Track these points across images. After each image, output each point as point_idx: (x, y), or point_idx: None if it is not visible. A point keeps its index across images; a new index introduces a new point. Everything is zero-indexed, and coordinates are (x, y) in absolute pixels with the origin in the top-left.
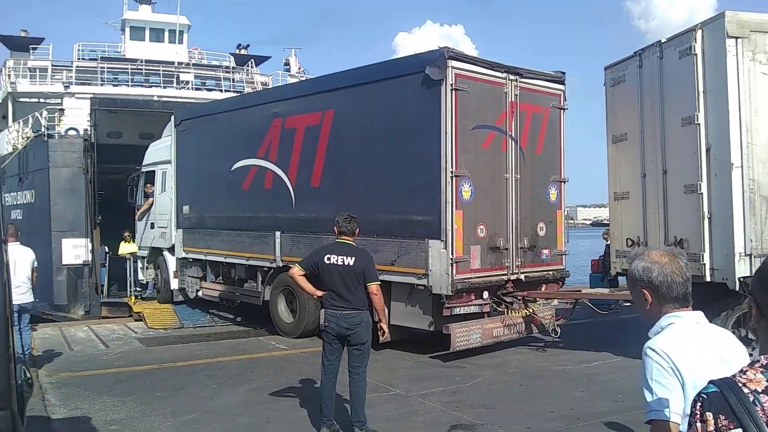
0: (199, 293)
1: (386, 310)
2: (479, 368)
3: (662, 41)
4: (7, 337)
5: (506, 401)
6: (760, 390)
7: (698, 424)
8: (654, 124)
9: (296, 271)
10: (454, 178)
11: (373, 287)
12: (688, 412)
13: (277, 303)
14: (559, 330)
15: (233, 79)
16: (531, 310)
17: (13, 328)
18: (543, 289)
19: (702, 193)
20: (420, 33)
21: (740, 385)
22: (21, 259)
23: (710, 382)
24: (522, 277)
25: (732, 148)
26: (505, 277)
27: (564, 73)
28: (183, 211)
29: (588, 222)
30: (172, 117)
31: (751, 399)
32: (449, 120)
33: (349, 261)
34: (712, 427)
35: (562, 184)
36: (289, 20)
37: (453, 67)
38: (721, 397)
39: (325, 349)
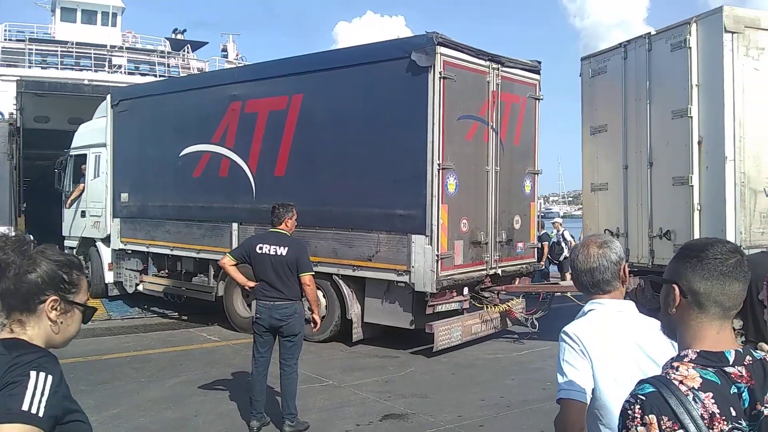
0: (140, 287)
1: (319, 302)
2: (412, 358)
3: (651, 33)
4: None
5: (438, 390)
6: (696, 387)
7: (639, 428)
8: (639, 116)
9: (227, 261)
10: (440, 171)
11: (306, 278)
12: (600, 397)
13: (233, 298)
14: (537, 323)
15: (168, 64)
16: (508, 305)
17: None
18: (517, 282)
19: (693, 186)
20: (360, 23)
21: (676, 383)
22: None
23: (643, 381)
24: (499, 271)
25: (726, 142)
26: (484, 272)
27: (540, 63)
28: (121, 198)
29: None
30: (108, 96)
31: (691, 397)
32: (437, 109)
33: (282, 251)
34: (656, 430)
35: (536, 176)
36: (226, 4)
37: (442, 54)
38: (661, 398)
39: (256, 342)
